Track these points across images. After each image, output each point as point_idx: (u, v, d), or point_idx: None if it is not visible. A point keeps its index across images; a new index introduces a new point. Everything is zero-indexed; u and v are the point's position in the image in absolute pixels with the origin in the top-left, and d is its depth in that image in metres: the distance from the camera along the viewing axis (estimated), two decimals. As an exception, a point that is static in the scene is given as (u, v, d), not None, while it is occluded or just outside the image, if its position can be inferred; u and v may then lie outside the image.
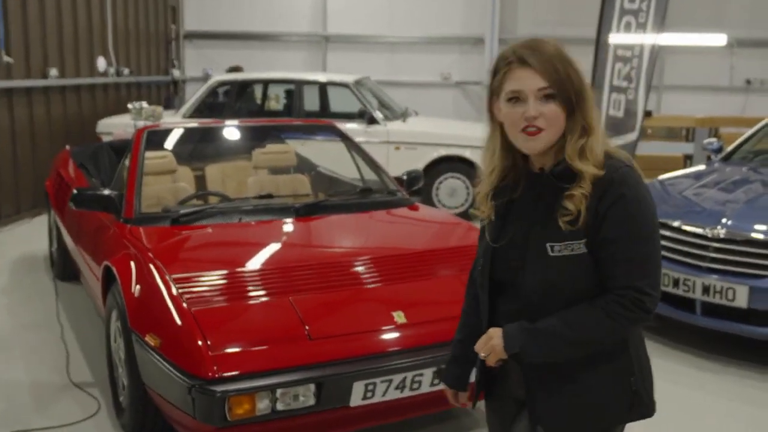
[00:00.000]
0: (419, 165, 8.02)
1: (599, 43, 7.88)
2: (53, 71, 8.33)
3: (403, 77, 11.65)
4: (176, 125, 5.02)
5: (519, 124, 1.69)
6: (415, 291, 3.28)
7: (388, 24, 11.64)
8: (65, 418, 3.59)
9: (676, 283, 4.45)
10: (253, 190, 4.58)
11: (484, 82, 11.05)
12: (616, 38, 7.85)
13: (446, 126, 8.74)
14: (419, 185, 4.64)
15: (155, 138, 4.40)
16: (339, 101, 9.03)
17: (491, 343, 1.74)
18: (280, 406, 2.72)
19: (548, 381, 1.74)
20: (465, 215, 8.07)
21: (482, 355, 1.76)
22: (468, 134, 8.26)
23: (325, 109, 9.24)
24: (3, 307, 5.20)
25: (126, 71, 10.13)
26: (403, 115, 8.56)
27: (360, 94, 8.34)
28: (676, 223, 4.59)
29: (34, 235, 6.91)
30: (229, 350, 2.75)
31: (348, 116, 8.42)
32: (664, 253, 4.57)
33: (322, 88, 9.19)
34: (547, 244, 1.69)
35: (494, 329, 1.76)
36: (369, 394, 2.83)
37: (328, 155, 5.20)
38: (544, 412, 1.75)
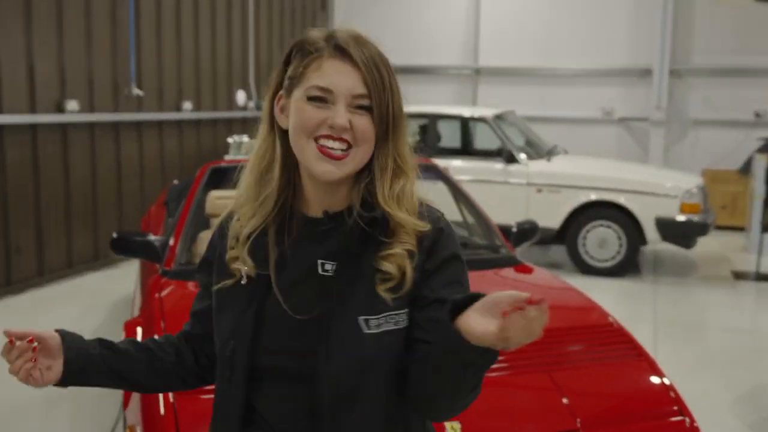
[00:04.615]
0: (563, 210, 7.10)
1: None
2: (187, 104, 8.23)
3: (560, 112, 10.67)
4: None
5: (315, 131, 1.25)
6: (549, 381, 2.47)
7: (544, 55, 10.73)
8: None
9: None
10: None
11: (651, 117, 10.00)
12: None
13: (598, 167, 7.67)
14: (532, 240, 3.77)
15: (223, 176, 3.86)
16: (483, 137, 8.29)
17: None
18: None
19: None
20: (614, 271, 6.99)
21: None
22: (625, 177, 7.20)
23: (467, 146, 8.53)
24: (84, 351, 4.87)
25: (267, 105, 9.94)
26: (549, 154, 7.62)
27: (500, 130, 7.52)
28: None
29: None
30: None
31: (487, 154, 7.65)
32: None
33: (463, 123, 8.49)
34: (360, 319, 1.25)
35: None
36: None
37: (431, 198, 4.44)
38: None
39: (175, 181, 5.89)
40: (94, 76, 6.89)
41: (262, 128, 1.36)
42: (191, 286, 3.14)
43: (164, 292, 3.02)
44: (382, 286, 1.26)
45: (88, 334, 4.90)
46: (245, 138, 5.08)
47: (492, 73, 11.11)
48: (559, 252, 7.72)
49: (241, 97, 9.29)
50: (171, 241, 3.32)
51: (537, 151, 7.67)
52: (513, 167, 7.31)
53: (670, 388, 2.53)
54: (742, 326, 5.65)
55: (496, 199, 6.69)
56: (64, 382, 1.37)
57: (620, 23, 10.45)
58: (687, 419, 2.43)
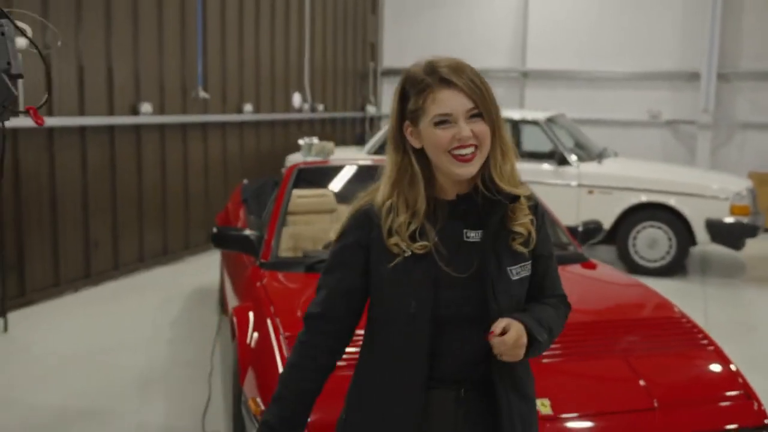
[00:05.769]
0: (614, 211, 7.29)
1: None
2: (248, 107, 8.57)
3: (606, 115, 10.83)
4: (334, 162, 4.76)
5: (449, 146, 1.65)
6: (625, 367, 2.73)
7: (591, 58, 10.90)
8: (187, 471, 3.38)
9: None
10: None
11: (699, 121, 10.10)
12: None
13: (648, 169, 7.86)
14: (597, 239, 4.00)
15: (307, 176, 4.15)
16: (532, 140, 8.50)
17: (521, 340, 1.64)
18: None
19: (516, 402, 1.73)
20: (663, 271, 7.16)
21: (502, 348, 1.63)
22: (675, 179, 7.37)
23: (517, 148, 8.72)
24: (166, 341, 5.19)
25: (321, 107, 10.27)
26: (599, 156, 7.82)
27: (551, 133, 7.74)
28: None
29: (218, 267, 7.02)
30: None
31: (539, 156, 7.86)
32: None
33: (514, 126, 8.70)
34: (509, 269, 1.70)
35: (509, 321, 1.64)
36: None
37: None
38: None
39: (245, 181, 6.20)
40: (165, 80, 7.26)
41: (394, 152, 1.73)
42: (281, 276, 3.44)
43: (264, 281, 3.32)
44: (517, 241, 1.71)
45: (166, 323, 5.29)
46: (315, 140, 5.35)
47: (539, 76, 11.30)
48: (607, 252, 7.90)
49: (297, 99, 9.62)
50: (266, 236, 3.62)
51: (588, 153, 7.87)
52: (564, 169, 7.51)
53: (738, 374, 2.76)
54: (792, 326, 5.80)
55: (547, 200, 6.86)
56: None
57: (668, 27, 10.58)
58: (755, 403, 2.65)
